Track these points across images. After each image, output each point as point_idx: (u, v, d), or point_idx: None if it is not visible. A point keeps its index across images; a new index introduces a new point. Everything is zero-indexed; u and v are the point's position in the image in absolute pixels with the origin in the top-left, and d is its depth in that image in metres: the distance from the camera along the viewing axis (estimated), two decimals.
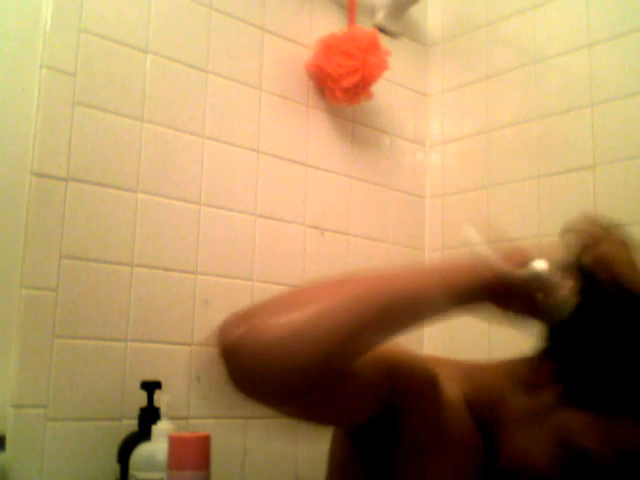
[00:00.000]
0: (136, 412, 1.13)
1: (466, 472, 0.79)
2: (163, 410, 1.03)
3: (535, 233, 1.48)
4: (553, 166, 1.49)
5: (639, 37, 1.40)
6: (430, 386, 0.80)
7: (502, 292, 0.73)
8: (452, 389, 0.82)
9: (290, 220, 1.44)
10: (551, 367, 0.75)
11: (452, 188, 1.67)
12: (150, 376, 1.16)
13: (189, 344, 1.25)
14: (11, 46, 1.15)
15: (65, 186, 1.14)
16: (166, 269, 1.25)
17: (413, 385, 0.78)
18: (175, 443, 0.86)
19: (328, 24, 1.54)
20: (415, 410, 0.77)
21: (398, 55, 1.64)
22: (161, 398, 1.06)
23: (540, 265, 0.73)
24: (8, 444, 1.05)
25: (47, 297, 1.10)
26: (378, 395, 0.76)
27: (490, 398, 0.80)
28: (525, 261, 0.73)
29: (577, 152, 1.45)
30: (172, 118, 1.29)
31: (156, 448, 0.98)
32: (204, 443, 0.86)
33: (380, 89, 1.57)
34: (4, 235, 1.11)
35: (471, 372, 0.86)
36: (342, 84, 1.46)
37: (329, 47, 1.47)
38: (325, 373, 0.65)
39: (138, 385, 1.13)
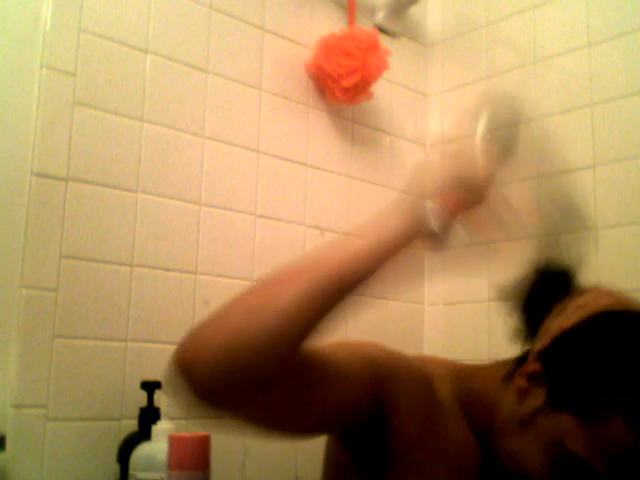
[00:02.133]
0: (136, 412, 1.13)
1: (461, 472, 0.80)
2: (163, 410, 1.03)
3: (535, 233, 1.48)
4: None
5: (639, 37, 1.40)
6: (422, 385, 0.80)
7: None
8: (444, 388, 0.82)
9: (290, 220, 1.44)
10: (535, 369, 0.75)
11: None
12: (150, 376, 1.16)
13: None
14: (11, 46, 1.15)
15: (65, 186, 1.14)
16: (166, 269, 1.25)
17: (402, 384, 0.78)
18: (175, 443, 0.86)
19: (328, 24, 1.54)
20: (405, 410, 0.77)
21: (398, 55, 1.64)
22: (161, 398, 1.06)
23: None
24: (8, 444, 1.05)
25: (47, 297, 1.10)
26: (363, 396, 0.75)
27: (486, 402, 0.80)
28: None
29: (577, 152, 1.45)
30: (172, 118, 1.29)
31: (156, 448, 0.98)
32: (204, 443, 0.86)
33: (380, 89, 1.57)
34: (4, 235, 1.11)
35: (463, 373, 0.86)
36: (342, 84, 1.46)
37: (329, 47, 1.47)
38: (276, 367, 0.66)
39: (138, 385, 1.13)
